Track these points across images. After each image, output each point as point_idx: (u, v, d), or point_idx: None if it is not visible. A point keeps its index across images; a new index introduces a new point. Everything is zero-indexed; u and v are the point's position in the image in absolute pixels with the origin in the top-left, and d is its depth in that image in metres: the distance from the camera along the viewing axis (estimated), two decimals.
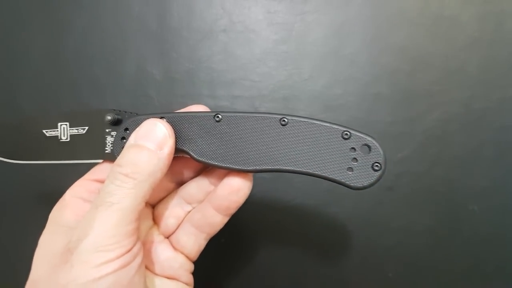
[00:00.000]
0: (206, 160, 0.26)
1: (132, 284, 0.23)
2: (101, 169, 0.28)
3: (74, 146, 0.28)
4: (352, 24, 0.41)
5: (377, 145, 0.24)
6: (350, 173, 0.24)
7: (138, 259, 0.24)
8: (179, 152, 0.26)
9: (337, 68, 0.41)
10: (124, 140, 0.27)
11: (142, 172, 0.24)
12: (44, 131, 0.29)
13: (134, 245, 0.23)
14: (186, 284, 0.29)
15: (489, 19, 0.40)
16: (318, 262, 0.40)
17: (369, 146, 0.24)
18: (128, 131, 0.27)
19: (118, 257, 0.22)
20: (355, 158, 0.24)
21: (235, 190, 0.27)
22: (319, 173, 0.25)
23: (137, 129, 0.26)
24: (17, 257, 0.41)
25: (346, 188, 0.25)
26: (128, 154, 0.25)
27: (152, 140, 0.25)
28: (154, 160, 0.24)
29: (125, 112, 0.27)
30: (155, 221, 0.30)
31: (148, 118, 0.26)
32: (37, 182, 0.42)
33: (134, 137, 0.25)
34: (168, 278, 0.28)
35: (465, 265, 0.39)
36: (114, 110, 0.27)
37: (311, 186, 0.40)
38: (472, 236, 0.39)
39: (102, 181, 0.28)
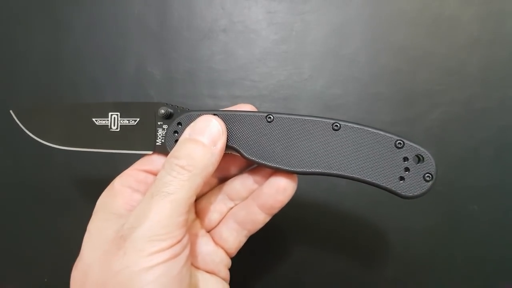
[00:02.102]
0: (256, 159, 0.26)
1: (180, 276, 0.23)
2: (150, 160, 0.29)
3: (124, 137, 0.29)
4: (352, 24, 0.41)
5: (430, 156, 0.24)
6: (401, 182, 0.25)
7: (186, 251, 0.24)
8: (229, 149, 0.27)
9: (337, 68, 0.41)
10: (176, 134, 0.28)
11: (197, 165, 0.24)
12: (93, 119, 0.29)
13: (183, 236, 0.24)
14: (224, 279, 0.30)
15: (489, 19, 0.40)
16: (317, 262, 0.40)
17: (422, 157, 0.25)
18: (181, 126, 0.27)
19: (169, 247, 0.23)
20: (407, 168, 0.25)
21: (281, 189, 0.27)
22: (369, 180, 0.25)
23: (192, 124, 0.26)
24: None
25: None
26: (184, 147, 0.25)
27: (207, 136, 0.26)
28: (208, 154, 0.25)
29: (177, 106, 0.28)
30: (198, 215, 0.31)
31: (202, 114, 0.27)
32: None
33: (189, 132, 0.26)
34: (207, 272, 0.29)
35: (465, 265, 0.39)
36: (167, 104, 0.28)
37: (311, 186, 0.40)
38: (472, 236, 0.39)
39: (150, 172, 0.29)
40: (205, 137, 0.25)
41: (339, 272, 0.40)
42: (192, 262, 0.28)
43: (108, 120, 0.29)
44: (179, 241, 0.23)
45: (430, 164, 0.24)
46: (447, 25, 0.40)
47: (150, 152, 0.29)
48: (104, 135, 0.29)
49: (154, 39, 0.43)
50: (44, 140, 0.30)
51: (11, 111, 0.31)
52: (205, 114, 0.27)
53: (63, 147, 0.30)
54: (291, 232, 0.40)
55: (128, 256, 0.22)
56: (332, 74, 0.41)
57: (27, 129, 0.30)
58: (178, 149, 0.25)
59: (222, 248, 0.30)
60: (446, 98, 0.40)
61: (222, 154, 0.26)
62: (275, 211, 0.28)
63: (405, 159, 0.25)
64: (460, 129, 0.40)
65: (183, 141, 0.26)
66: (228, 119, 0.27)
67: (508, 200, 0.39)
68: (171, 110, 0.28)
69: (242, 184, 0.30)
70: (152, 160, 0.29)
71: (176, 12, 0.43)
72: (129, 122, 0.29)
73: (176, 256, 0.23)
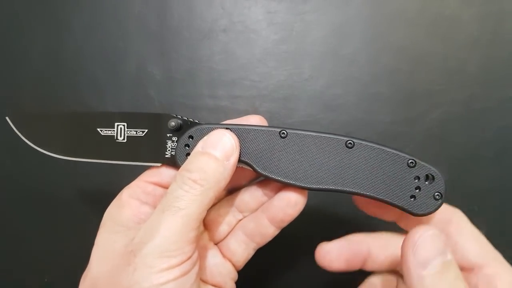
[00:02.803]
0: (268, 174, 0.26)
1: None
2: (159, 173, 0.28)
3: (131, 148, 0.28)
4: (351, 24, 0.41)
5: (440, 175, 0.25)
6: (413, 200, 0.25)
7: (196, 268, 0.24)
8: (241, 163, 0.27)
9: (336, 68, 0.41)
10: (188, 148, 0.27)
11: (209, 180, 0.24)
12: (98, 129, 0.28)
13: (193, 252, 0.24)
14: None
15: (489, 19, 0.40)
16: (318, 266, 0.40)
17: (432, 176, 0.25)
18: (192, 139, 0.27)
19: (179, 264, 0.22)
20: (418, 187, 0.25)
21: (292, 203, 0.27)
22: (382, 198, 0.26)
23: (205, 137, 0.26)
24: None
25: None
26: (197, 161, 0.25)
27: (220, 150, 0.25)
28: (221, 168, 0.25)
29: (186, 119, 0.28)
30: (206, 227, 0.30)
31: (214, 129, 0.27)
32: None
33: (202, 145, 0.26)
34: (214, 286, 0.28)
35: None
36: (176, 116, 0.28)
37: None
38: None
39: (159, 184, 0.28)
40: (218, 151, 0.25)
41: (339, 274, 0.40)
42: (200, 275, 0.28)
43: (114, 130, 0.28)
44: (189, 258, 0.23)
45: (440, 184, 0.25)
46: (447, 25, 0.40)
47: (159, 164, 0.28)
48: (110, 146, 0.28)
49: (154, 39, 0.43)
50: (44, 150, 0.29)
51: (7, 118, 0.29)
52: (217, 128, 0.27)
53: (64, 157, 0.29)
54: (285, 234, 0.40)
55: (139, 272, 0.22)
56: (332, 74, 0.41)
57: (25, 137, 0.29)
58: (191, 162, 0.25)
59: (230, 260, 0.29)
60: (446, 98, 0.40)
61: (235, 169, 0.26)
62: (285, 224, 0.28)
63: (416, 178, 0.25)
64: (460, 129, 0.40)
65: (196, 154, 0.26)
66: (241, 133, 0.27)
67: (508, 201, 0.39)
68: (181, 122, 0.27)
69: (251, 196, 0.29)
70: (160, 173, 0.28)
71: (176, 12, 0.43)
72: (136, 133, 0.28)
73: (186, 273, 0.23)
